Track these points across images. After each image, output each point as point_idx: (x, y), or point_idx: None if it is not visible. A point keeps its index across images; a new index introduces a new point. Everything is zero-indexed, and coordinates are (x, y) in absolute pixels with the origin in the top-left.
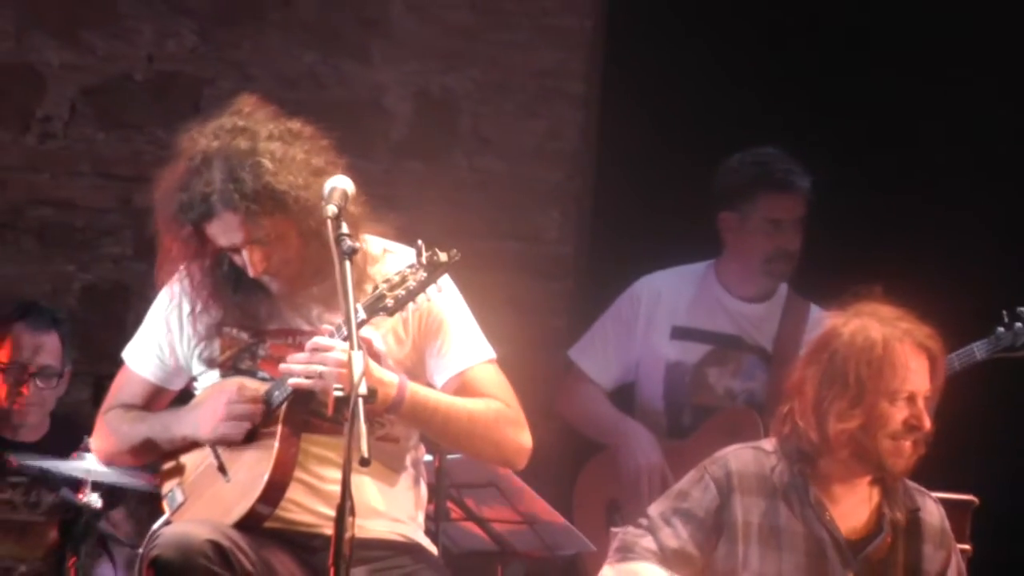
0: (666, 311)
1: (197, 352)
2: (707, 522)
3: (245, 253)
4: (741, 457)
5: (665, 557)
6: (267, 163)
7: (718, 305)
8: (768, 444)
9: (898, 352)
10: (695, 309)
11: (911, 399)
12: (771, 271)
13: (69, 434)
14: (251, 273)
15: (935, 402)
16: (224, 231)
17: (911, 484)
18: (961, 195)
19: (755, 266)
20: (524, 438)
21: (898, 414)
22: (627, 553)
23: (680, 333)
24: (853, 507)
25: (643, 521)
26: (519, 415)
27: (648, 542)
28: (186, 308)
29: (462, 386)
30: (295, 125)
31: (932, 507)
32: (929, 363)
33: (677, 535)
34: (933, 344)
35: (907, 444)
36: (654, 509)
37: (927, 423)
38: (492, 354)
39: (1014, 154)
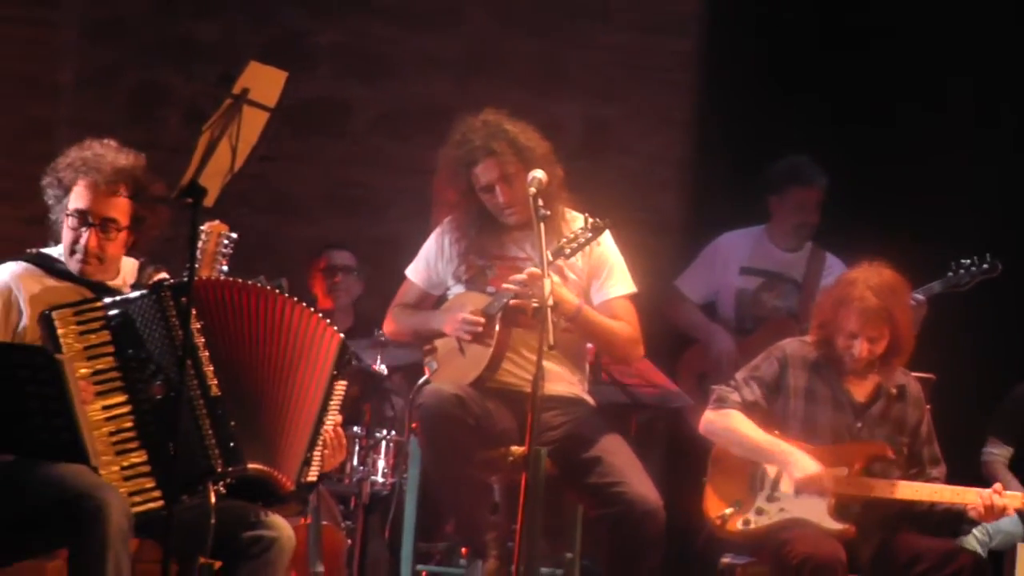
0: (735, 256)
1: (451, 271)
2: (771, 385)
3: (498, 188)
4: (792, 345)
5: (745, 406)
6: (511, 128)
7: (768, 253)
8: (809, 337)
9: (851, 306)
10: (754, 255)
11: (852, 335)
12: (798, 235)
13: (366, 328)
14: (501, 200)
15: (887, 332)
16: (485, 171)
17: (900, 368)
18: (932, 179)
19: (788, 230)
20: (639, 350)
21: (843, 343)
22: (722, 403)
23: (744, 271)
24: (861, 381)
25: (732, 382)
26: (638, 336)
27: (735, 396)
28: (447, 241)
29: (608, 309)
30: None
31: (913, 383)
32: (869, 316)
33: (753, 392)
34: (878, 306)
35: (854, 356)
36: (739, 375)
37: (862, 354)
38: (633, 289)
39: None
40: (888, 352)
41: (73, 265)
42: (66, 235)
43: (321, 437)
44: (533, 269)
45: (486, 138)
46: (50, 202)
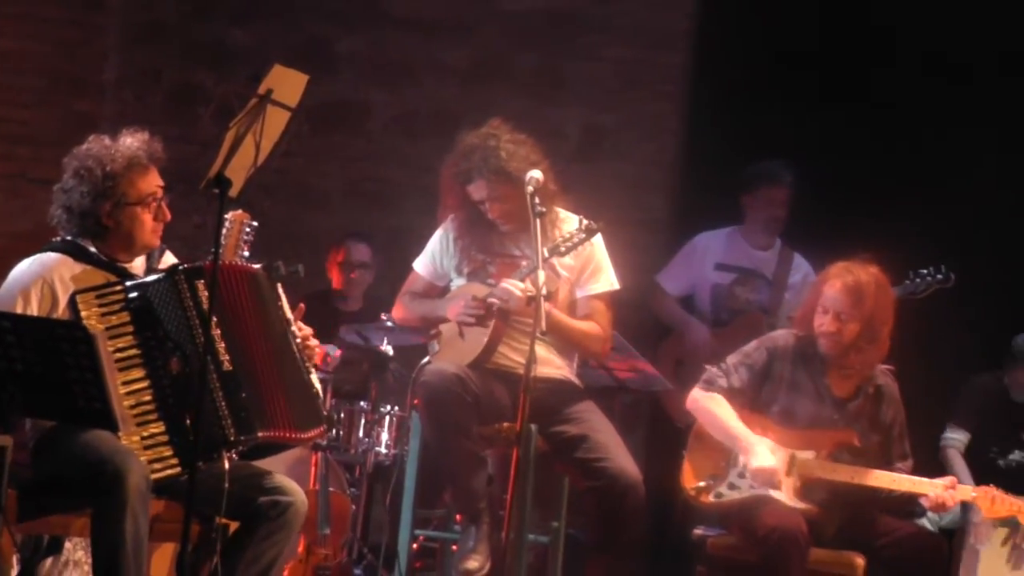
0: (711, 253)
1: (453, 265)
2: (759, 372)
3: (487, 204)
4: (784, 336)
5: (731, 391)
6: (503, 154)
7: (742, 251)
8: (800, 332)
9: (829, 283)
10: (728, 253)
11: (824, 311)
12: (768, 229)
13: (375, 311)
14: (490, 216)
15: (858, 316)
16: (477, 190)
17: (880, 367)
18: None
19: (759, 227)
20: (606, 347)
21: (818, 320)
22: (710, 385)
23: (720, 267)
24: (843, 378)
25: (723, 365)
26: (607, 334)
27: (723, 381)
28: (450, 238)
29: (586, 304)
30: (522, 136)
31: (891, 383)
32: (842, 292)
33: (740, 379)
34: (855, 283)
35: (823, 336)
36: (731, 360)
37: (829, 328)
38: (614, 287)
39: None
40: (860, 339)
41: (156, 242)
42: (143, 218)
43: (309, 363)
44: (517, 286)
45: (480, 161)
46: (86, 198)
